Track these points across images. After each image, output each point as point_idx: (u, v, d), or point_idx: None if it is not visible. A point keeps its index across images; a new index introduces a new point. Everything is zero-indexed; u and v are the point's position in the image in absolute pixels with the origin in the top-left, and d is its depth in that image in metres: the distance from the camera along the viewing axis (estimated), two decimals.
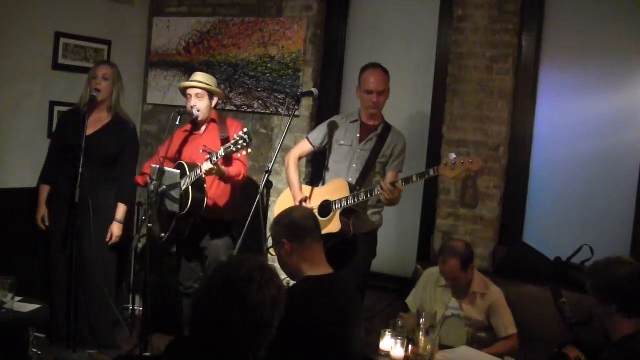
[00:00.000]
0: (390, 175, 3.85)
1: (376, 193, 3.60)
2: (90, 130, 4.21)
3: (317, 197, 3.89)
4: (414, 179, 3.54)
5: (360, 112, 3.97)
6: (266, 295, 1.89)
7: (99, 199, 4.21)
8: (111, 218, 4.28)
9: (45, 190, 4.36)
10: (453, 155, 3.45)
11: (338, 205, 3.72)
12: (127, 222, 4.45)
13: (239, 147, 3.64)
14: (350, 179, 3.82)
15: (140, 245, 4.61)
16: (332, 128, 4.00)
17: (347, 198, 3.69)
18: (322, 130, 4.05)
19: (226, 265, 2.02)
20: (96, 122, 4.29)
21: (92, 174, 4.14)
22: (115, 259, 4.38)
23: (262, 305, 1.88)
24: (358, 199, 3.66)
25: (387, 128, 3.93)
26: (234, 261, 2.04)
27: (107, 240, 4.26)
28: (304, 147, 4.09)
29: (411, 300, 3.84)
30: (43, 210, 4.33)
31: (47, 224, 4.31)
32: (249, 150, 3.73)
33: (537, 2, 4.26)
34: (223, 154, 3.71)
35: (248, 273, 1.90)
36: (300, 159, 4.12)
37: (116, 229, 4.28)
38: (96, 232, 4.16)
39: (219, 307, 1.88)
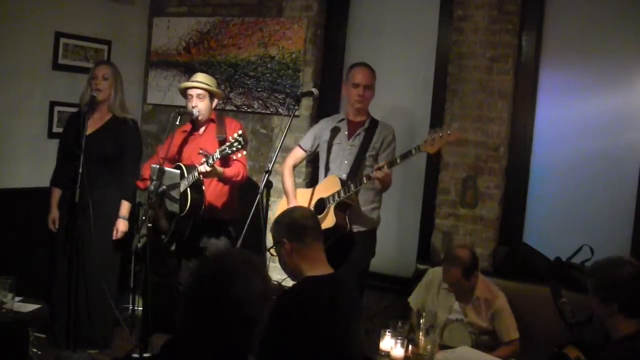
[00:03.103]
0: None
1: (365, 182, 3.67)
2: (90, 129, 4.22)
3: (313, 197, 3.93)
4: (398, 160, 3.63)
5: (346, 111, 4.04)
6: (252, 289, 1.89)
7: (100, 197, 4.21)
8: (113, 216, 4.28)
9: (56, 192, 4.36)
10: (431, 132, 3.58)
11: (331, 200, 3.77)
12: (129, 220, 4.45)
13: (234, 149, 3.64)
14: (343, 175, 3.85)
15: (140, 245, 4.61)
16: (320, 130, 4.07)
17: (338, 192, 3.74)
18: (311, 134, 4.13)
19: (210, 261, 2.01)
20: (96, 121, 4.29)
21: (93, 172, 4.13)
22: (118, 259, 4.39)
23: (249, 299, 1.88)
24: (349, 191, 3.71)
25: (374, 122, 3.98)
26: (217, 257, 2.02)
27: (114, 236, 4.27)
28: (297, 154, 4.15)
29: (413, 299, 3.84)
30: (55, 213, 4.33)
31: (57, 226, 4.31)
32: (244, 152, 3.74)
33: (537, 2, 4.26)
34: (219, 157, 3.71)
35: (232, 268, 1.90)
36: (294, 167, 4.18)
37: (121, 225, 4.30)
38: (98, 231, 4.16)
39: (206, 304, 1.88)
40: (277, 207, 4.18)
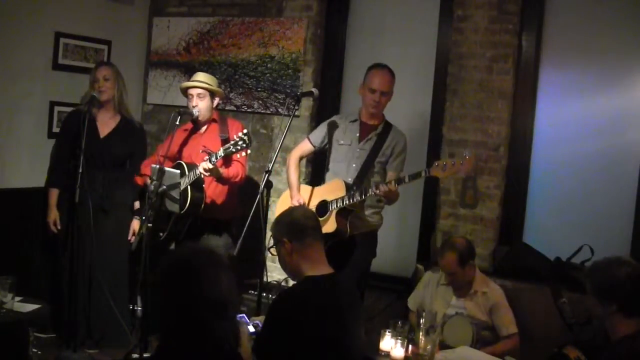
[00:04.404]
0: (389, 176, 3.85)
1: (370, 193, 3.62)
2: (103, 132, 4.29)
3: (315, 196, 3.90)
4: (406, 179, 3.57)
5: (360, 112, 3.96)
6: (222, 281, 1.91)
7: (116, 199, 4.28)
8: (128, 217, 4.31)
9: (54, 193, 4.37)
10: (445, 159, 3.52)
11: (334, 206, 3.74)
12: None
13: (239, 147, 3.63)
14: (349, 179, 3.82)
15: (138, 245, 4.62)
16: (332, 127, 4.00)
17: (342, 198, 3.70)
18: (322, 129, 4.05)
19: (170, 261, 2.01)
20: (106, 124, 4.33)
21: (109, 175, 4.19)
22: (127, 259, 4.40)
23: (220, 295, 1.89)
24: (353, 199, 3.67)
25: (388, 127, 3.92)
26: (178, 256, 2.03)
27: (130, 237, 4.30)
28: (305, 147, 4.10)
29: (412, 301, 3.85)
30: (54, 214, 4.34)
31: (59, 227, 4.33)
32: (249, 151, 3.73)
33: (537, 2, 4.26)
34: (222, 155, 3.71)
35: (193, 264, 1.93)
36: (301, 159, 4.14)
37: (137, 225, 4.32)
38: (115, 232, 4.23)
39: (175, 302, 1.89)
40: (279, 201, 4.16)
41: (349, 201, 3.68)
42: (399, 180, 3.59)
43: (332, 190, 3.81)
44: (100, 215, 4.22)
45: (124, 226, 4.32)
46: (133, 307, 4.69)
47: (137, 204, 4.35)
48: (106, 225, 4.23)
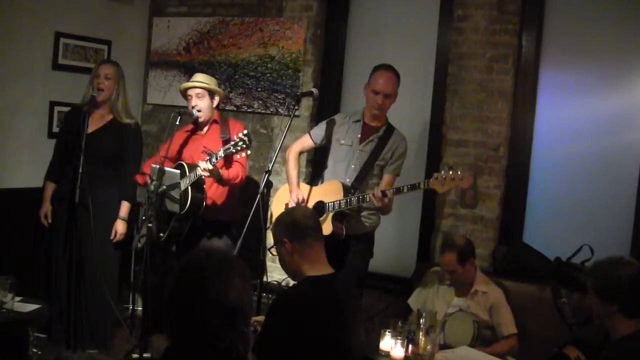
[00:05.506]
0: (386, 179, 3.84)
1: (367, 200, 3.61)
2: (91, 128, 4.22)
3: (312, 197, 3.90)
4: (404, 189, 3.55)
5: (363, 112, 3.94)
6: (232, 286, 1.89)
7: (100, 197, 4.20)
8: (113, 216, 4.28)
9: (50, 187, 4.36)
10: (444, 171, 3.47)
11: (330, 208, 3.73)
12: (129, 221, 4.44)
13: (239, 148, 3.63)
14: (347, 180, 3.81)
15: (140, 245, 4.61)
16: (334, 126, 3.98)
17: (339, 201, 3.70)
18: (323, 128, 4.03)
19: (183, 265, 1.98)
20: (98, 120, 4.28)
21: (93, 172, 4.14)
22: (117, 258, 4.39)
23: (227, 301, 1.87)
24: (350, 204, 3.67)
25: (390, 130, 3.89)
26: (191, 260, 1.99)
27: (112, 237, 4.26)
28: (306, 142, 4.08)
29: (413, 301, 3.85)
30: (47, 207, 4.33)
31: (50, 220, 4.31)
32: (249, 152, 3.73)
33: (537, 2, 4.26)
34: (222, 155, 3.71)
35: (207, 270, 1.90)
36: (301, 153, 4.12)
37: (120, 226, 4.29)
38: (98, 230, 4.16)
39: (185, 307, 1.88)
40: (275, 196, 4.14)
41: (346, 205, 3.67)
42: (397, 190, 3.57)
43: (329, 191, 3.80)
44: (84, 212, 4.12)
45: (108, 226, 4.27)
46: (133, 307, 4.69)
47: (124, 209, 4.29)
48: (90, 224, 4.17)
